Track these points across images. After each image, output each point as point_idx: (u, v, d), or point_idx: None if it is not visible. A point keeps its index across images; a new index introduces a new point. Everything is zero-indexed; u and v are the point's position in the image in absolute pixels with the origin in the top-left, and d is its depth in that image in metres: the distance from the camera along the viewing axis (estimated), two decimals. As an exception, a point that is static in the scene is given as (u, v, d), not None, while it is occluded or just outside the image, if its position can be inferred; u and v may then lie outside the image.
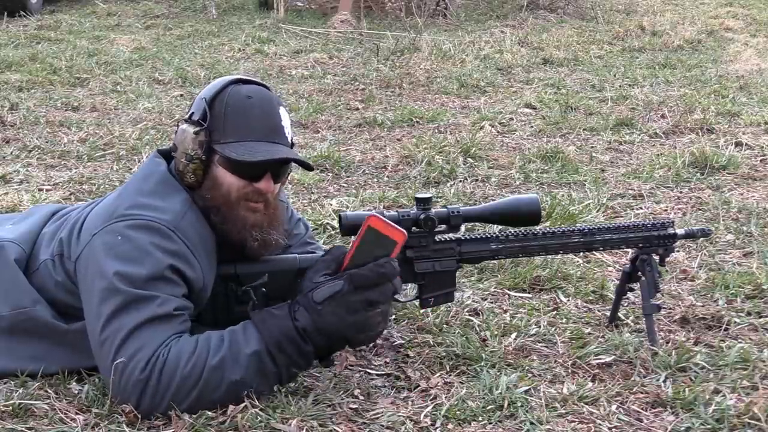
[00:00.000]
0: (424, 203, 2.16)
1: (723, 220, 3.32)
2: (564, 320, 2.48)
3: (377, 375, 2.16)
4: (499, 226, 2.79)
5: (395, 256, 1.99)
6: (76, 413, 1.95)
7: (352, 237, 2.05)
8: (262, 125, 2.05)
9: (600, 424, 1.93)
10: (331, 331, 1.94)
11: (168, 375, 1.86)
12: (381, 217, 1.99)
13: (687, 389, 2.03)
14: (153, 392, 1.86)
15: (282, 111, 2.11)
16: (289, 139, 2.12)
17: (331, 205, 3.50)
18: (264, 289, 2.10)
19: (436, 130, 4.89)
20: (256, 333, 1.93)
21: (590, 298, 2.65)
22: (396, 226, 1.99)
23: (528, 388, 2.05)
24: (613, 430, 1.92)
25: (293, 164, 2.17)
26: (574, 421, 1.94)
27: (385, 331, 2.34)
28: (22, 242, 2.17)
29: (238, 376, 1.90)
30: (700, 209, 3.52)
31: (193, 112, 2.08)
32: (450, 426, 1.91)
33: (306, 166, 2.16)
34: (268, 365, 1.92)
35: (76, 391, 2.03)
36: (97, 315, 1.92)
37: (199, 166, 2.04)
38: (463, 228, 2.31)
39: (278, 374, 1.95)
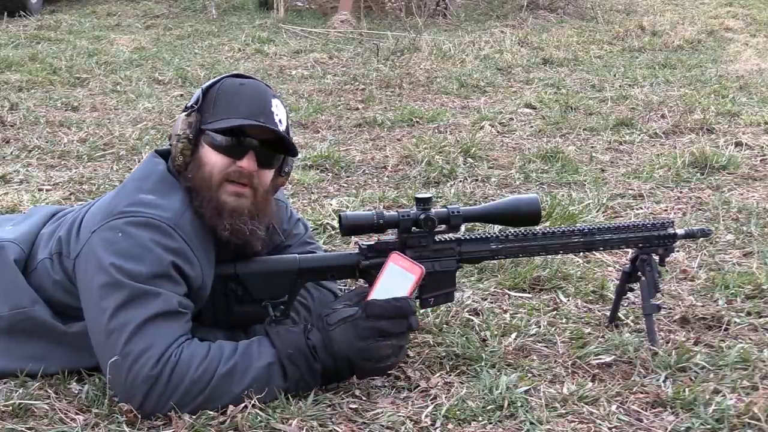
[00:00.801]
0: (424, 203, 2.16)
1: (723, 220, 3.32)
2: (564, 320, 2.48)
3: (377, 375, 2.16)
4: (499, 226, 2.79)
5: (413, 291, 2.05)
6: (76, 413, 1.95)
7: (353, 237, 2.07)
8: (250, 106, 2.05)
9: (600, 424, 1.92)
10: (338, 353, 1.96)
11: (179, 376, 1.87)
12: (401, 254, 2.08)
13: (687, 389, 2.03)
14: (161, 391, 1.86)
15: (275, 101, 2.09)
16: (281, 127, 2.08)
17: (331, 205, 3.50)
18: (283, 307, 2.11)
19: (436, 130, 4.90)
20: (269, 345, 1.96)
21: (590, 298, 2.64)
22: (415, 262, 2.07)
23: (528, 388, 2.05)
24: (613, 430, 1.92)
25: (292, 160, 2.17)
26: (574, 421, 1.94)
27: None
28: (22, 242, 2.17)
29: (246, 386, 1.91)
30: (700, 209, 3.52)
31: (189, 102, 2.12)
32: (450, 426, 1.91)
33: (288, 146, 2.10)
34: (277, 378, 1.94)
35: (76, 391, 2.03)
36: (101, 309, 1.91)
37: (187, 145, 2.05)
38: (463, 228, 2.31)
39: (286, 389, 1.96)
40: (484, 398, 2.01)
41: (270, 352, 1.95)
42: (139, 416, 1.88)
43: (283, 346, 1.95)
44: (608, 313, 2.45)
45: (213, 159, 2.04)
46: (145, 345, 1.86)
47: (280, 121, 2.08)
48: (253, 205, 2.07)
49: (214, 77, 2.18)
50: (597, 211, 3.44)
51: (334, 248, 3.01)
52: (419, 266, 2.06)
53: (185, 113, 2.07)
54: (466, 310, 2.52)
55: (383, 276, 2.04)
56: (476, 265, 2.78)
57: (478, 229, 3.06)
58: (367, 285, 2.11)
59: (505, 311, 2.54)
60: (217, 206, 2.03)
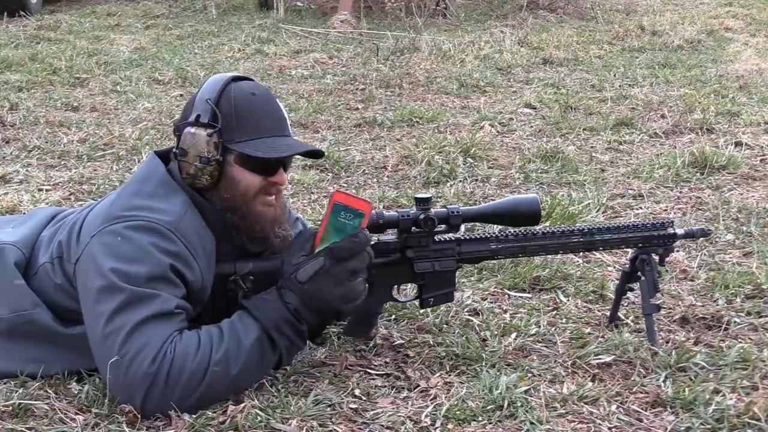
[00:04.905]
0: (423, 203, 2.16)
1: (723, 220, 3.32)
2: (564, 320, 2.48)
3: (377, 375, 2.16)
4: (499, 226, 2.79)
5: (365, 226, 2.05)
6: (76, 413, 1.95)
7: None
8: (272, 121, 2.10)
9: (600, 424, 1.93)
10: (322, 307, 2.00)
11: (177, 370, 1.87)
12: (345, 191, 2.09)
13: (687, 389, 2.03)
14: (162, 387, 1.86)
15: (279, 104, 2.16)
16: (289, 128, 2.17)
17: (331, 205, 3.49)
18: (252, 277, 2.11)
19: (436, 130, 4.89)
20: (252, 321, 1.97)
21: (590, 298, 2.64)
22: (361, 197, 2.08)
23: (528, 388, 2.05)
24: (613, 430, 1.92)
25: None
26: (574, 421, 1.94)
27: (385, 331, 2.35)
28: (22, 245, 2.17)
29: (242, 366, 1.92)
30: (700, 209, 3.52)
31: (199, 115, 2.05)
32: (450, 426, 1.91)
33: (318, 155, 2.20)
34: (268, 350, 1.97)
35: (76, 391, 2.03)
36: (99, 313, 1.91)
37: (216, 167, 2.05)
38: (462, 228, 2.31)
39: (278, 358, 1.99)
40: (484, 398, 2.01)
41: (254, 327, 1.96)
42: (140, 416, 1.88)
43: (265, 318, 1.96)
44: (608, 313, 2.45)
45: (248, 177, 2.07)
46: (140, 345, 1.87)
47: (289, 124, 2.15)
48: (279, 209, 2.14)
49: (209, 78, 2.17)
50: (597, 211, 3.44)
51: (334, 248, 3.01)
52: (367, 201, 2.05)
53: (206, 132, 2.03)
54: (466, 310, 2.52)
55: (330, 216, 2.03)
56: (476, 265, 2.78)
57: (478, 229, 3.06)
58: (311, 226, 2.12)
59: (505, 311, 2.54)
60: (260, 219, 2.09)
